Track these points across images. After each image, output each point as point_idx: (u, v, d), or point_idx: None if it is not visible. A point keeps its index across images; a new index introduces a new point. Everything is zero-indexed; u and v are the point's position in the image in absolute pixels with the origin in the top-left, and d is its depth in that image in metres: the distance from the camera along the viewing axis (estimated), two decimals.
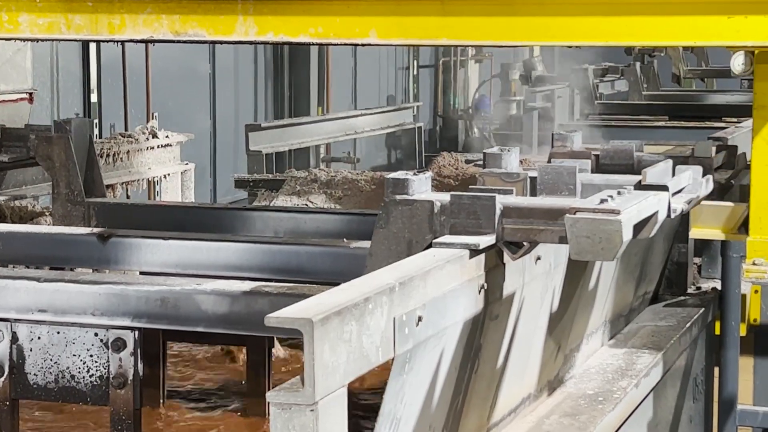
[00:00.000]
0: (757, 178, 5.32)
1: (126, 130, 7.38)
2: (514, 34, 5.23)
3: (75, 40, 9.33)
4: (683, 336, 5.18)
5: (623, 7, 6.39)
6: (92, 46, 10.48)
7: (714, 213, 6.04)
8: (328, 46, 10.52)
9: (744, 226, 5.51)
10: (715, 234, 6.05)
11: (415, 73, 14.17)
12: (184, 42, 6.64)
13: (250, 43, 8.75)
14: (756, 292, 6.87)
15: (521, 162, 4.93)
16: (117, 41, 7.01)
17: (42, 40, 6.79)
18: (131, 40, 7.08)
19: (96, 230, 5.07)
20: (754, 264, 5.22)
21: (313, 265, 4.65)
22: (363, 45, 7.91)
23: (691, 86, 14.48)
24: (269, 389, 2.65)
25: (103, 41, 8.16)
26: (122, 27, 5.69)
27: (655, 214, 3.68)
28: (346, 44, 8.32)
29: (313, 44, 7.70)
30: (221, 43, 7.78)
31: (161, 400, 4.94)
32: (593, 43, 10.25)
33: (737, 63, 5.94)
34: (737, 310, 5.84)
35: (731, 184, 5.95)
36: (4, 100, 8.36)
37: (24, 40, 7.74)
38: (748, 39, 5.36)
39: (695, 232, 6.40)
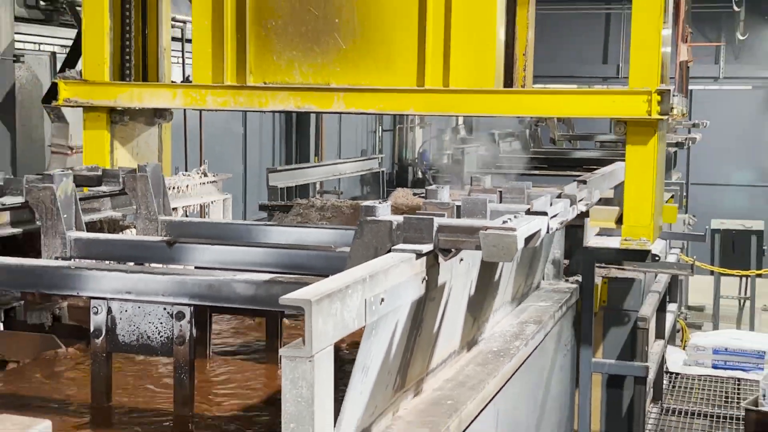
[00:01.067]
0: (627, 193, 6.31)
1: (186, 171, 7.37)
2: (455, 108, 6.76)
3: (239, 111, 9.47)
4: (557, 312, 5.22)
5: (534, 94, 7.22)
6: None
7: (604, 213, 6.68)
8: (382, 115, 10.66)
9: (619, 220, 6.45)
10: (606, 224, 6.73)
11: (380, 134, 14.10)
12: (303, 112, 7.40)
13: (341, 113, 9.41)
14: (604, 283, 7.09)
15: (451, 195, 4.73)
16: (263, 111, 7.55)
17: (220, 111, 7.22)
18: (272, 111, 8.04)
19: (164, 239, 5.15)
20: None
21: (311, 263, 4.71)
22: (404, 115, 8.24)
23: (562, 146, 14.54)
24: (281, 347, 2.83)
25: (255, 111, 8.54)
26: (267, 103, 6.80)
27: (539, 230, 3.76)
28: (394, 114, 8.61)
29: (375, 114, 8.45)
30: (324, 113, 8.77)
31: (208, 354, 4.84)
32: (513, 115, 10.85)
33: (618, 129, 6.38)
34: (591, 295, 5.97)
35: (587, 213, 6.10)
36: None
37: (209, 110, 8.15)
38: (623, 114, 6.33)
39: (594, 224, 6.80)
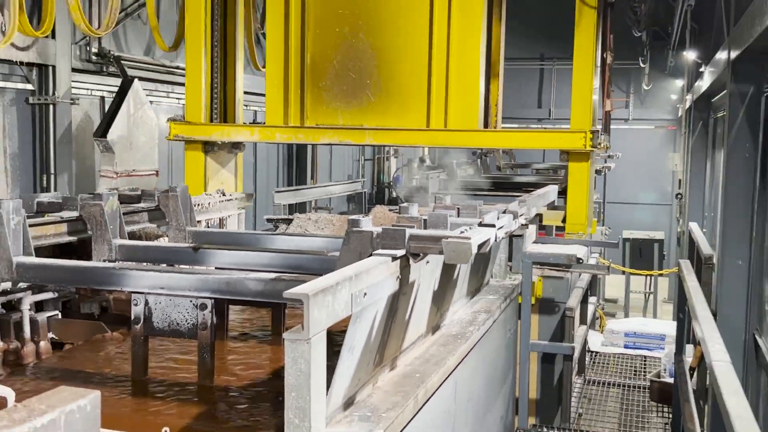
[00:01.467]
0: (570, 200, 7.44)
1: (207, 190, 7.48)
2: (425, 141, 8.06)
3: (297, 143, 11.26)
4: (502, 303, 5.20)
5: (506, 132, 8.47)
6: None
7: (553, 215, 7.41)
8: (400, 147, 11.35)
9: (564, 220, 7.44)
10: (555, 222, 7.55)
11: (363, 163, 14.10)
12: (344, 145, 8.21)
13: (371, 146, 10.24)
14: (540, 280, 7.13)
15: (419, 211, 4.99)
16: (315, 144, 8.59)
17: (283, 143, 8.33)
18: (321, 144, 10.03)
19: (191, 245, 5.13)
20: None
21: (308, 265, 4.64)
22: (415, 147, 8.81)
23: (506, 172, 14.35)
24: (284, 332, 2.82)
25: (308, 144, 9.74)
26: (318, 138, 7.90)
27: (489, 239, 3.75)
28: (408, 147, 9.25)
29: (394, 146, 9.52)
30: (359, 145, 9.62)
31: (225, 337, 4.78)
32: (490, 147, 11.51)
33: (563, 157, 7.48)
34: (529, 290, 5.95)
35: (527, 224, 6.14)
36: (143, 175, 8.37)
37: (276, 143, 10.14)
38: (567, 146, 7.25)
39: (546, 221, 7.53)
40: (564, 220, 7.39)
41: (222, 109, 8.00)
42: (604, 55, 8.24)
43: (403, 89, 7.28)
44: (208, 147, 7.90)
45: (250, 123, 8.69)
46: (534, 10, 18.29)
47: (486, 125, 7.42)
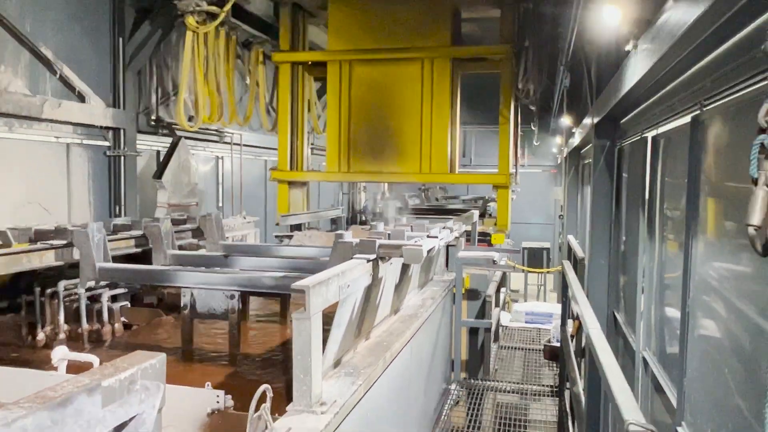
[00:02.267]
0: (499, 212, 8.43)
1: (232, 215, 7.45)
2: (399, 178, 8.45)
3: (343, 181, 11.76)
4: (443, 293, 5.17)
5: (463, 174, 9.58)
6: (220, 185, 10.20)
7: (491, 221, 8.52)
8: (404, 183, 11.40)
9: (495, 224, 8.41)
10: (489, 226, 8.98)
11: (341, 195, 13.93)
12: (371, 182, 9.60)
13: (387, 182, 11.79)
14: (468, 276, 7.20)
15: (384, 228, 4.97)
16: (353, 182, 9.00)
17: (335, 181, 10.73)
18: (359, 181, 11.05)
19: (222, 254, 5.05)
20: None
21: (306, 266, 4.52)
22: (412, 183, 9.35)
23: (442, 201, 14.41)
24: (291, 314, 2.77)
25: (339, 181, 11.14)
26: (356, 179, 9.49)
27: (434, 246, 3.82)
28: (409, 183, 10.12)
29: (400, 183, 11.23)
30: (378, 182, 9.93)
31: (247, 319, 4.81)
32: (454, 183, 12.35)
33: (494, 188, 8.33)
34: (461, 283, 5.95)
35: (460, 237, 6.19)
36: (187, 205, 8.26)
37: (331, 181, 10.94)
38: (496, 182, 8.15)
39: (488, 224, 8.92)
40: (495, 224, 8.64)
41: (296, 160, 8.91)
42: (516, 130, 9.67)
43: (405, 150, 8.25)
44: (289, 184, 8.81)
45: (315, 170, 9.72)
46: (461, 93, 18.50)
47: (451, 170, 8.37)
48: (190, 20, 6.76)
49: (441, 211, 11.10)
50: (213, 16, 6.79)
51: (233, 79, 8.11)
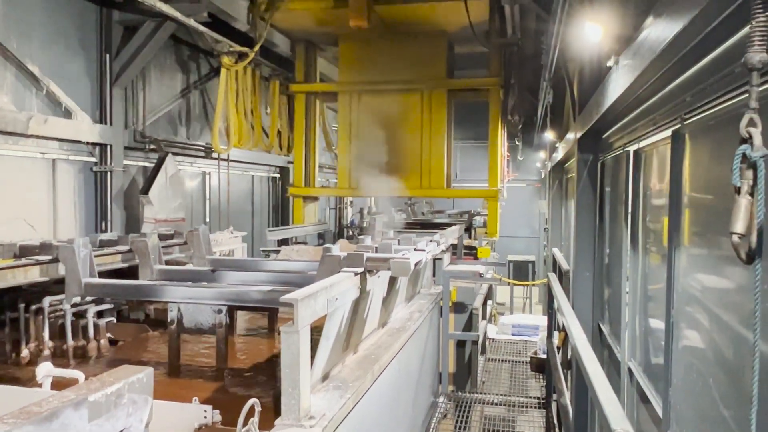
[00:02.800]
0: (489, 221, 9.40)
1: (219, 230, 7.39)
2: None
3: (351, 197, 12.76)
4: (430, 305, 5.16)
5: (457, 189, 10.29)
6: (207, 200, 10.14)
7: (482, 230, 9.35)
8: (406, 197, 12.67)
9: (486, 233, 9.34)
10: (482, 232, 10.06)
11: (328, 211, 13.89)
12: (377, 196, 11.17)
13: (392, 196, 11.28)
14: (455, 289, 7.21)
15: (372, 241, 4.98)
16: (360, 197, 11.08)
17: (346, 195, 11.35)
18: (360, 196, 10.97)
19: (209, 268, 4.95)
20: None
21: (293, 280, 4.46)
22: (417, 195, 9.86)
23: (428, 216, 14.38)
24: (279, 327, 2.73)
25: (350, 196, 11.96)
26: (364, 194, 10.04)
27: (421, 259, 3.81)
28: (409, 197, 10.91)
29: (403, 197, 11.60)
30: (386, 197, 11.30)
31: (234, 333, 4.77)
32: (450, 198, 12.90)
33: (485, 200, 9.24)
34: (448, 296, 5.94)
35: (445, 250, 6.18)
36: (175, 220, 8.21)
37: (342, 196, 12.20)
38: (487, 195, 8.97)
39: (479, 232, 10.01)
40: (486, 233, 9.57)
41: (308, 178, 9.93)
42: (503, 150, 10.74)
43: (407, 168, 9.19)
44: (303, 199, 9.84)
45: (325, 186, 11.06)
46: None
47: (447, 185, 9.36)
48: (225, 60, 7.90)
49: (427, 225, 11.11)
50: (242, 56, 7.96)
51: (258, 108, 9.07)
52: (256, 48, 8.00)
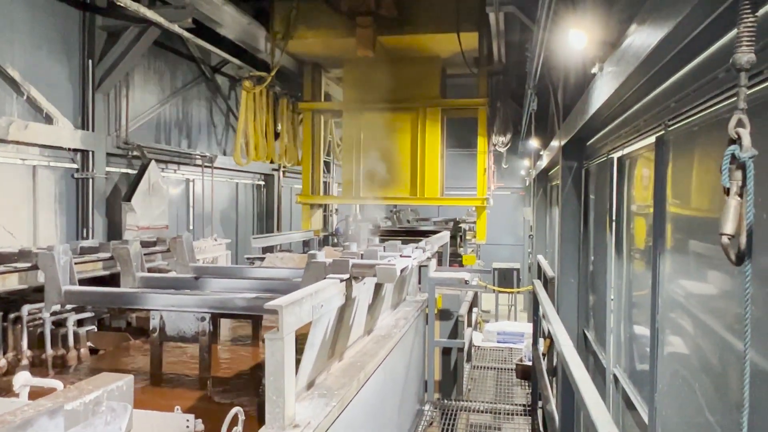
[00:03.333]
0: (478, 227, 10.17)
1: (203, 237, 7.32)
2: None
3: (356, 204, 12.38)
4: (416, 313, 5.12)
5: (449, 197, 10.81)
6: (191, 207, 10.08)
7: (472, 234, 9.77)
8: (402, 205, 12.88)
9: (475, 236, 10.25)
10: (471, 235, 10.96)
11: None
12: (377, 204, 10.55)
13: (390, 204, 11.97)
14: (440, 296, 7.21)
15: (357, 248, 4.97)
16: (366, 204, 10.71)
17: (349, 203, 11.33)
18: (366, 203, 10.95)
19: (193, 275, 4.92)
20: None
21: (277, 287, 4.41)
22: (413, 203, 10.14)
23: (414, 224, 14.35)
24: (263, 335, 2.70)
25: (353, 203, 11.82)
26: (365, 202, 10.44)
27: (407, 266, 3.79)
28: (406, 205, 11.17)
29: (398, 204, 11.95)
30: (384, 204, 11.07)
31: (218, 342, 4.72)
32: (443, 205, 12.97)
33: (474, 209, 9.95)
34: (433, 303, 5.90)
35: (431, 257, 6.21)
36: (157, 228, 8.15)
37: (346, 203, 11.64)
38: (475, 204, 9.56)
39: (470, 236, 10.74)
40: (476, 236, 10.39)
41: (315, 186, 10.68)
42: (489, 162, 11.67)
43: (404, 179, 10.04)
44: (310, 206, 10.59)
45: (331, 194, 11.86)
46: None
47: (441, 194, 10.25)
48: (246, 83, 9.03)
49: (413, 233, 11.12)
50: (260, 79, 9.18)
51: (271, 125, 9.87)
52: (273, 72, 9.13)
